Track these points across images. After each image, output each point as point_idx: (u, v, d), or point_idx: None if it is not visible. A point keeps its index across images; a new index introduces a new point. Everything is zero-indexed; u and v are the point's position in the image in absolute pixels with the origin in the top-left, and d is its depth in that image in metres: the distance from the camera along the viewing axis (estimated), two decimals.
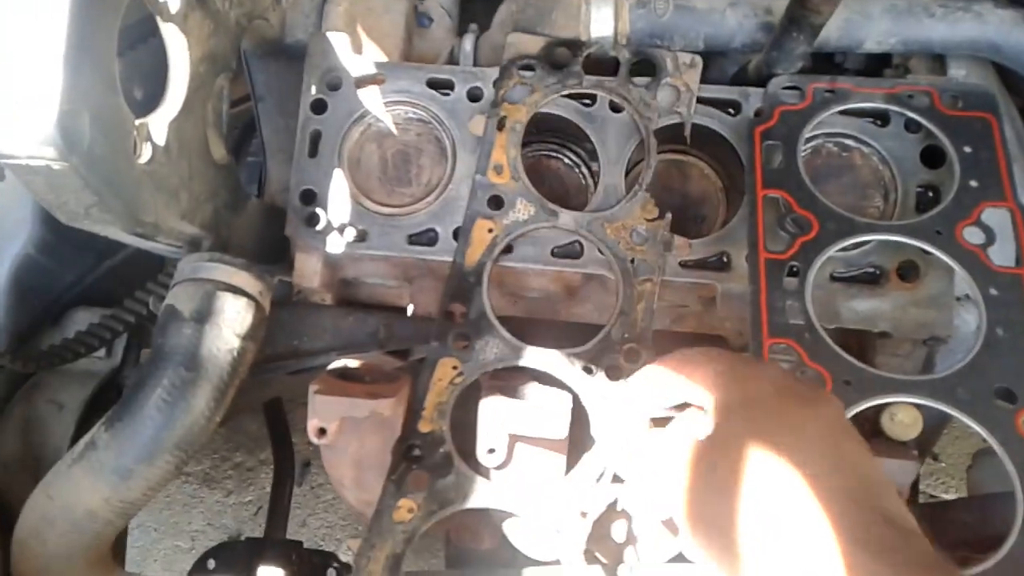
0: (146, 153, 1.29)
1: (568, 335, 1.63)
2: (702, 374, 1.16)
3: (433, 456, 1.47)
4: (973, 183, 1.54)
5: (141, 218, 1.30)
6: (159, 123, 1.35)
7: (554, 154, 1.88)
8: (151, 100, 1.38)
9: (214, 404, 1.36)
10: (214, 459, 3.96)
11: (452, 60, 1.93)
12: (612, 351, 1.56)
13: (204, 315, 1.40)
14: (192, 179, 1.47)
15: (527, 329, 1.62)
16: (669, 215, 1.64)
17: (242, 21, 1.62)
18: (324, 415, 1.47)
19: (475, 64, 1.88)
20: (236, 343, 1.42)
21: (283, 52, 1.86)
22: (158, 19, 1.34)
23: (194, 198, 1.48)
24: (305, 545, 2.15)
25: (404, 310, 1.78)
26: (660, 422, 1.26)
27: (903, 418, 1.48)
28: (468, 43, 1.90)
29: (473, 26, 1.95)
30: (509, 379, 1.57)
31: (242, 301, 1.44)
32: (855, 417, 1.36)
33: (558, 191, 1.86)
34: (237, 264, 1.46)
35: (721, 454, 1.06)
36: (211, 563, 2.05)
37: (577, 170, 1.87)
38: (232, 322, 1.42)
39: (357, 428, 1.51)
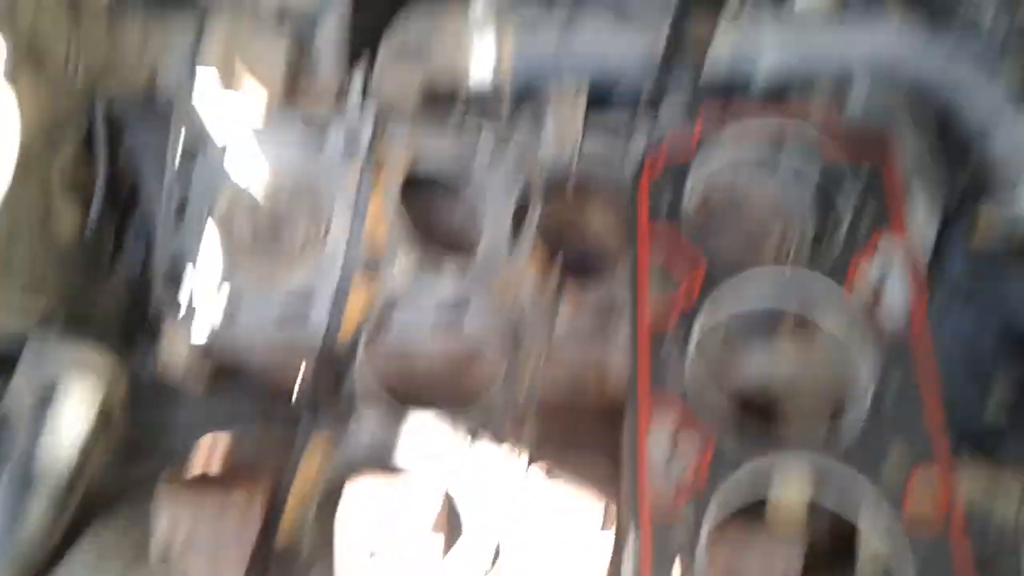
0: None
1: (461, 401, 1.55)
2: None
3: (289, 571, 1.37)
4: (867, 215, 1.46)
5: None
6: None
7: (446, 195, 1.79)
8: None
9: (53, 513, 1.27)
10: None
11: (339, 98, 1.83)
12: (498, 414, 1.48)
13: (45, 403, 1.31)
14: (34, 257, 1.37)
15: (416, 399, 1.54)
16: (560, 256, 1.55)
17: (92, 81, 1.52)
18: (172, 514, 1.36)
19: (364, 101, 1.79)
20: (81, 431, 1.33)
21: (157, 106, 1.77)
22: None
23: (37, 277, 1.39)
24: None
25: (291, 380, 1.68)
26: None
27: (788, 503, 1.37)
28: (356, 79, 1.81)
29: (363, 61, 1.86)
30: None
31: (88, 385, 1.35)
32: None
33: (451, 237, 1.77)
34: (85, 346, 1.37)
35: None
36: None
37: (471, 210, 1.77)
38: (76, 409, 1.33)
39: (212, 521, 1.41)
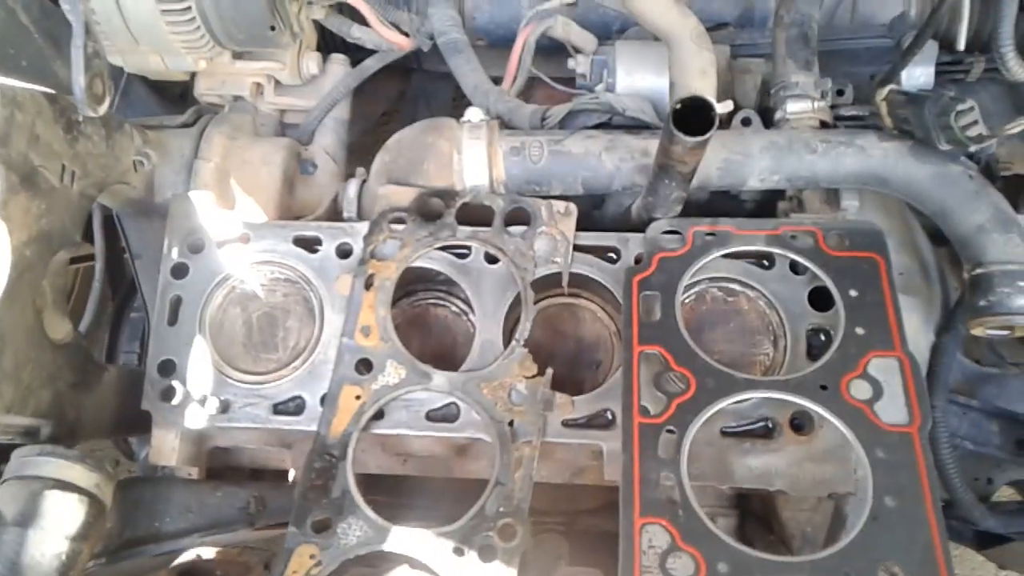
0: None
1: (463, 490, 1.52)
2: None
3: None
4: (859, 330, 1.45)
5: None
6: None
7: (440, 302, 1.80)
8: None
9: None
10: None
11: (336, 207, 1.86)
12: (486, 527, 1.44)
13: (28, 518, 1.28)
14: (20, 368, 1.37)
15: (415, 488, 1.52)
16: (550, 371, 1.54)
17: (89, 191, 1.55)
18: None
19: (359, 211, 1.82)
20: (64, 546, 1.30)
21: (155, 210, 1.80)
22: None
23: (23, 388, 1.38)
24: None
25: (286, 474, 1.67)
26: None
27: None
28: (352, 189, 1.84)
29: (360, 170, 1.89)
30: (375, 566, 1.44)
31: (73, 498, 1.32)
32: None
33: (445, 341, 1.77)
34: (70, 457, 1.34)
35: None
36: None
37: (465, 318, 1.78)
38: (60, 523, 1.30)
39: None
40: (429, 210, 1.67)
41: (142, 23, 1.65)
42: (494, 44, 2.26)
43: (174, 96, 2.25)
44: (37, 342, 1.42)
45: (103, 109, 1.41)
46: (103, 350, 2.00)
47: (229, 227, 1.66)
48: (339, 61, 2.05)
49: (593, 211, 1.73)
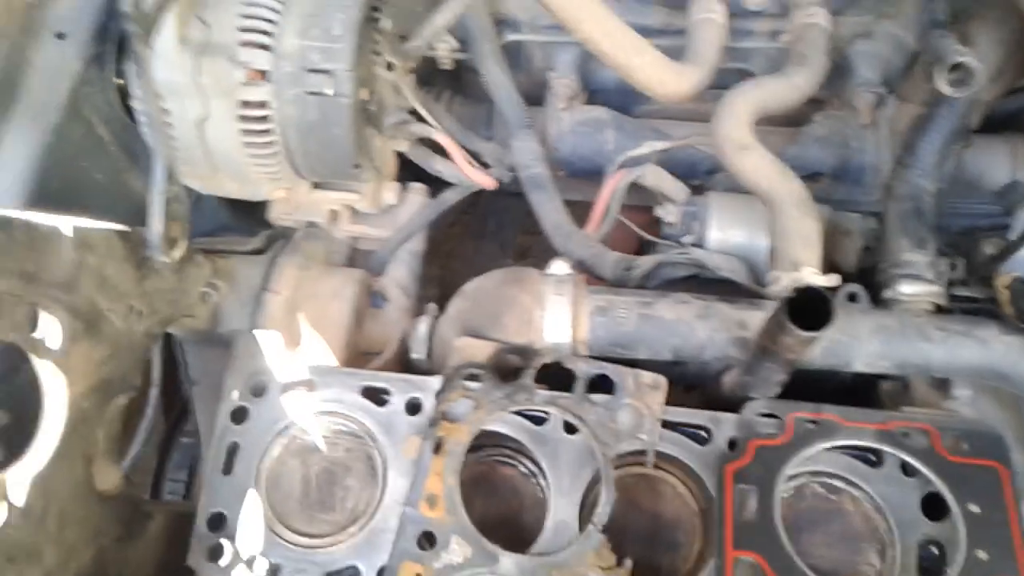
0: None
1: None
2: None
3: None
4: (982, 554, 1.30)
5: None
6: (19, 479, 1.17)
7: (508, 460, 1.67)
8: (11, 444, 1.21)
9: None
10: None
11: (404, 345, 1.77)
12: None
13: None
14: (64, 529, 1.27)
15: None
16: (629, 563, 1.41)
17: (155, 330, 1.47)
18: None
19: (429, 352, 1.72)
20: None
21: (218, 340, 1.72)
22: (31, 356, 1.19)
23: (65, 549, 1.28)
24: None
25: None
26: None
27: None
28: (422, 328, 1.75)
29: (432, 306, 1.81)
30: None
31: None
32: None
33: (512, 505, 1.64)
34: None
35: None
36: None
37: (534, 480, 1.65)
38: None
39: None
40: (506, 368, 1.57)
41: (224, 154, 1.59)
42: (574, 175, 2.20)
43: (246, 207, 2.20)
44: (84, 498, 1.33)
45: (178, 254, 1.34)
46: (149, 477, 1.91)
47: (295, 371, 1.57)
48: (418, 191, 1.99)
49: (674, 367, 1.61)
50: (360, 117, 1.63)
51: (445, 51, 2.09)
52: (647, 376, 1.52)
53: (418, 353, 1.70)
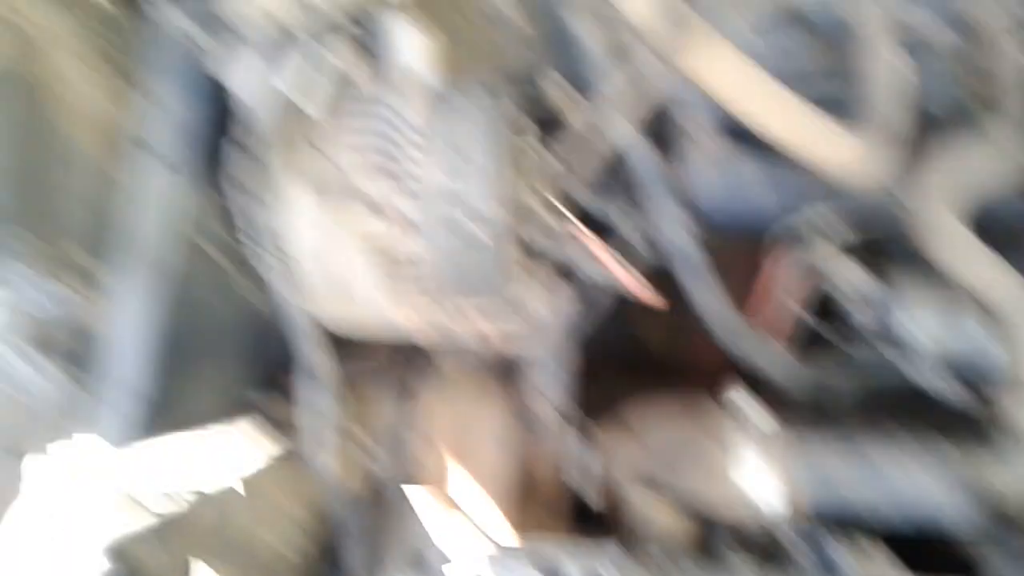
0: None
1: None
2: None
3: None
4: None
5: None
6: None
7: None
8: None
9: None
10: None
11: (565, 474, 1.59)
12: None
13: None
14: None
15: None
16: None
17: None
18: None
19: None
20: None
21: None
22: None
23: None
24: None
25: None
26: None
27: None
28: (596, 469, 1.56)
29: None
30: None
31: None
32: None
33: None
34: None
35: None
36: None
37: None
38: None
39: None
40: (703, 542, 1.37)
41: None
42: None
43: None
44: None
45: None
46: None
47: (457, 536, 1.41)
48: (566, 297, 1.77)
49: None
50: (510, 247, 1.43)
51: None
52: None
53: (595, 504, 1.51)
